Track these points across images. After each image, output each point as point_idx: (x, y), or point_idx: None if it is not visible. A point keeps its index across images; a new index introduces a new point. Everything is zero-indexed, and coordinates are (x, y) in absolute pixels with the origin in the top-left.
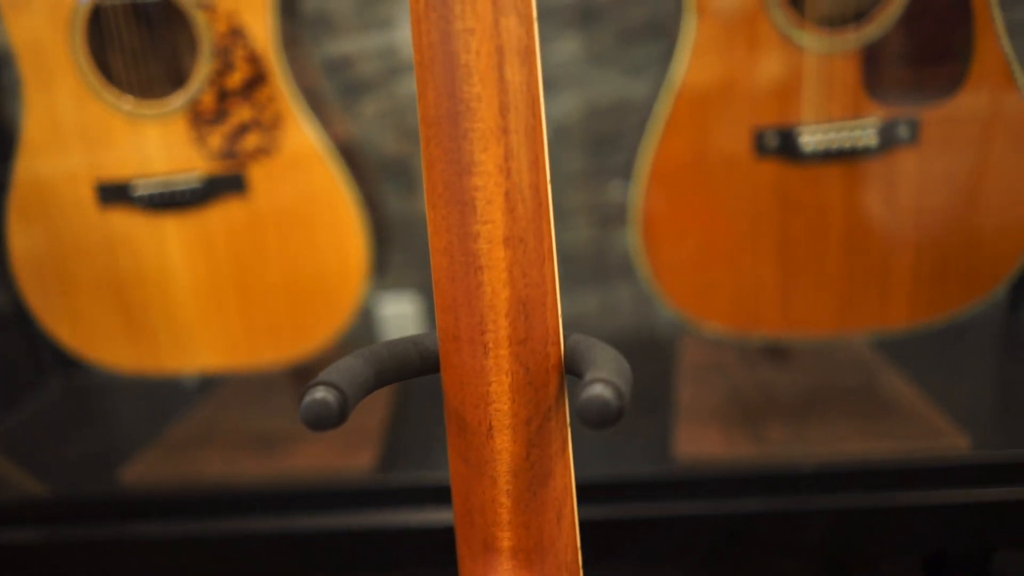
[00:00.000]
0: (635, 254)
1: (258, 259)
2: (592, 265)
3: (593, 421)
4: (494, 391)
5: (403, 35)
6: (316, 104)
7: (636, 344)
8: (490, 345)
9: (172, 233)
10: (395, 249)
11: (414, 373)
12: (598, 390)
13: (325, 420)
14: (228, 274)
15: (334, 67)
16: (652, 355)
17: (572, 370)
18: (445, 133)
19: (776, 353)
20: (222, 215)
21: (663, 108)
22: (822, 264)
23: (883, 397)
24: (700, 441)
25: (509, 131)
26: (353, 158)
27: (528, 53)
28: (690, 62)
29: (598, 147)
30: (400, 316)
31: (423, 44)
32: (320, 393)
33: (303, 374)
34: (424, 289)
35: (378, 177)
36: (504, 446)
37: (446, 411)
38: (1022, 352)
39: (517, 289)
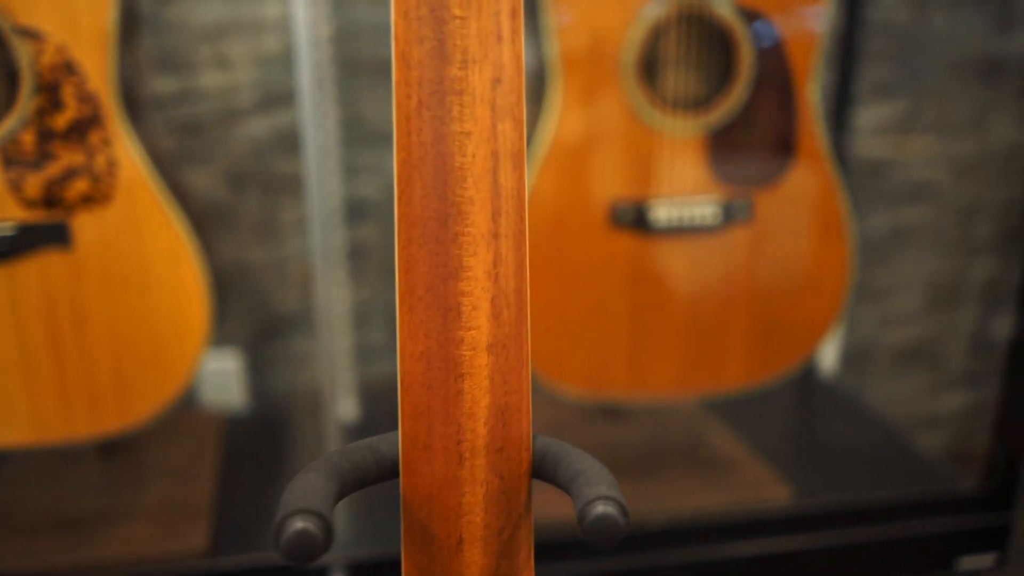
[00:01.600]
0: None
1: (81, 319)
2: None
3: (601, 541)
4: (467, 502)
5: (242, 77)
6: (149, 145)
7: None
8: (466, 454)
9: None
10: (216, 301)
11: (371, 482)
12: (604, 509)
13: (312, 552)
14: (42, 336)
15: (160, 104)
16: None
17: (543, 476)
18: (431, 235)
19: (613, 412)
20: (38, 269)
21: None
22: (668, 330)
23: (713, 453)
24: (548, 503)
25: (500, 236)
26: (185, 205)
27: (519, 157)
28: (553, 137)
29: None
30: (221, 373)
31: (412, 142)
32: (300, 524)
33: (111, 443)
34: (247, 345)
35: (206, 225)
36: (474, 559)
37: (404, 523)
38: (837, 410)
39: (497, 396)
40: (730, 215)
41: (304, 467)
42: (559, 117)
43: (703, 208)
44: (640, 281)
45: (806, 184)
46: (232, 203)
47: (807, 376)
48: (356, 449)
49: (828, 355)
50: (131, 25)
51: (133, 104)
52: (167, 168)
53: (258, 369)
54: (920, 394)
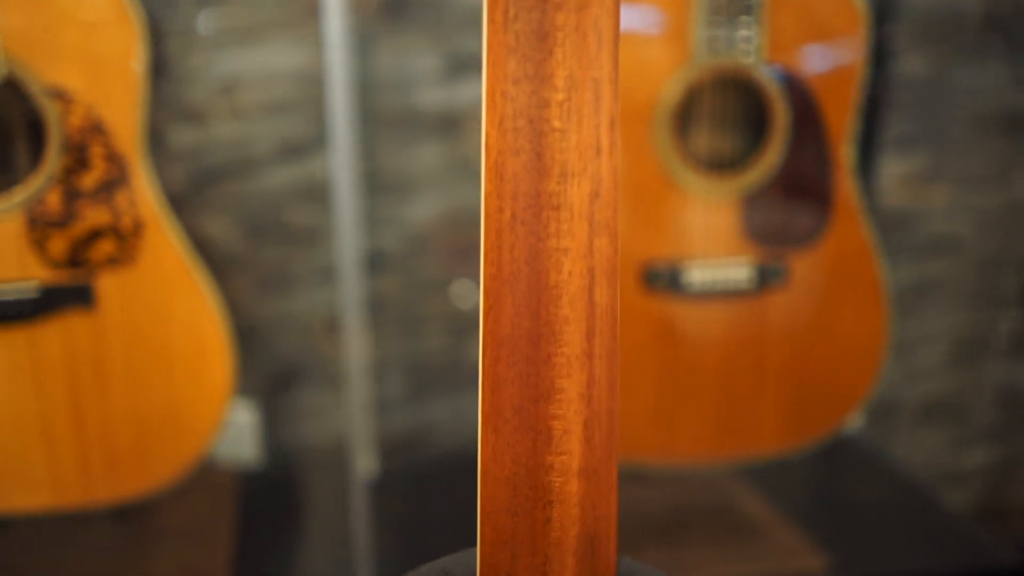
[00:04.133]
0: None
1: (103, 383)
2: (446, 374)
3: None
4: None
5: (259, 129)
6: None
7: None
8: None
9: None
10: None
11: None
12: None
13: None
14: (63, 399)
15: (182, 155)
16: None
17: None
18: (521, 355)
19: (639, 476)
20: (61, 331)
21: None
22: (699, 394)
23: (741, 517)
24: None
25: (594, 356)
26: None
27: (614, 273)
28: None
29: (458, 254)
30: (236, 426)
31: (503, 258)
32: None
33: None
34: (261, 397)
35: (223, 275)
36: None
37: None
38: (864, 467)
39: (587, 524)
40: (765, 278)
41: None
42: None
43: (737, 271)
44: (671, 343)
45: (843, 247)
46: (247, 253)
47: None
48: (428, 573)
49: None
50: (156, 78)
51: (155, 153)
52: (187, 219)
53: (272, 422)
54: (946, 448)
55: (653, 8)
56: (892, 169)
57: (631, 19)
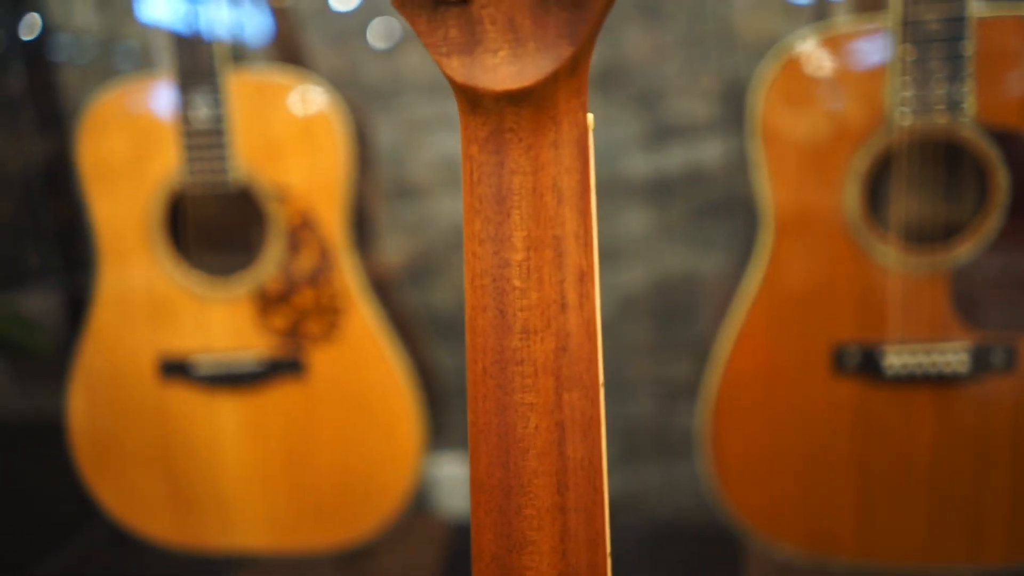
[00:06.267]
0: (703, 473)
1: (311, 442)
2: (654, 440)
3: None
4: None
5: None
6: (380, 286)
7: (698, 534)
8: None
9: (227, 411)
10: (449, 409)
11: None
12: None
13: None
14: (280, 455)
15: (410, 231)
16: (715, 550)
17: None
18: (495, 504)
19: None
20: (279, 397)
21: (737, 317)
22: (907, 491)
23: None
24: None
25: (568, 510)
26: (408, 328)
27: (592, 425)
28: (766, 274)
29: (665, 320)
30: (453, 478)
31: (479, 408)
32: None
33: (347, 560)
34: None
35: (433, 339)
36: None
37: None
38: None
39: None
40: (983, 362)
41: None
42: (772, 254)
43: (948, 354)
44: (871, 432)
45: None
46: (462, 317)
47: None
48: None
49: None
50: (365, 165)
51: (366, 231)
52: (393, 290)
53: None
54: None
55: (842, 67)
56: None
57: (812, 81)
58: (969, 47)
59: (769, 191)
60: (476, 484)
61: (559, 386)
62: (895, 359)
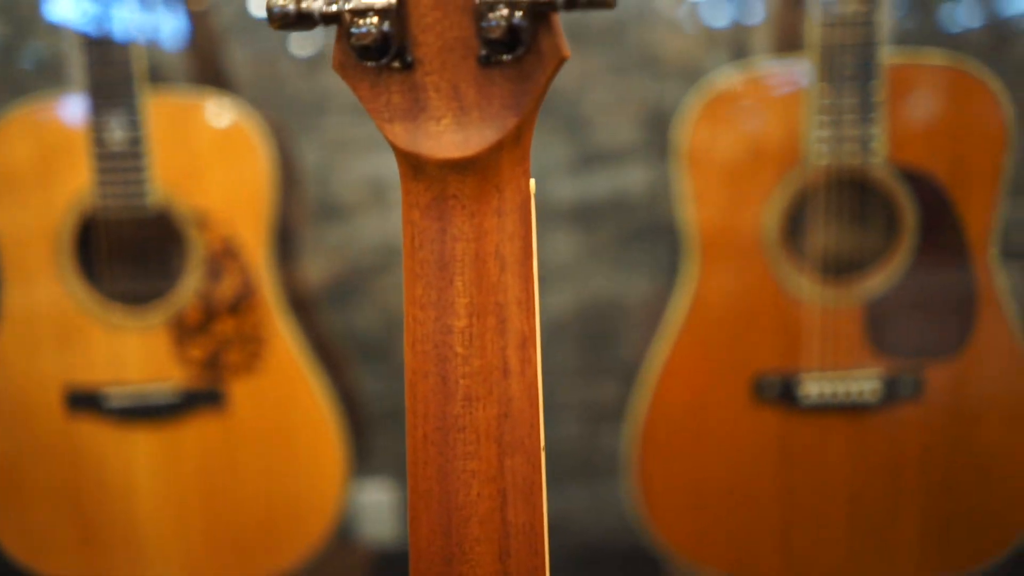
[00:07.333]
0: (629, 497)
1: (231, 476)
2: (579, 462)
3: None
4: None
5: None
6: (303, 309)
7: (622, 556)
8: None
9: (141, 446)
10: (373, 434)
11: None
12: None
13: None
14: (197, 491)
15: (322, 247)
16: (638, 573)
17: None
18: (436, 572)
19: None
20: (197, 430)
21: (664, 345)
22: (825, 515)
23: None
24: None
25: (510, 575)
26: (332, 352)
27: (533, 490)
28: (692, 304)
29: (591, 343)
30: (377, 505)
31: (419, 474)
32: None
33: None
34: (399, 475)
35: (356, 362)
36: None
37: None
38: None
39: None
40: (895, 391)
41: None
42: (697, 283)
43: (861, 383)
44: (791, 460)
45: (990, 358)
46: (387, 339)
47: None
48: None
49: None
50: (289, 185)
51: (289, 252)
52: (316, 313)
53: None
54: None
55: (763, 106)
56: None
57: (736, 119)
58: (880, 91)
59: (694, 222)
60: (416, 552)
61: (501, 452)
62: (812, 388)
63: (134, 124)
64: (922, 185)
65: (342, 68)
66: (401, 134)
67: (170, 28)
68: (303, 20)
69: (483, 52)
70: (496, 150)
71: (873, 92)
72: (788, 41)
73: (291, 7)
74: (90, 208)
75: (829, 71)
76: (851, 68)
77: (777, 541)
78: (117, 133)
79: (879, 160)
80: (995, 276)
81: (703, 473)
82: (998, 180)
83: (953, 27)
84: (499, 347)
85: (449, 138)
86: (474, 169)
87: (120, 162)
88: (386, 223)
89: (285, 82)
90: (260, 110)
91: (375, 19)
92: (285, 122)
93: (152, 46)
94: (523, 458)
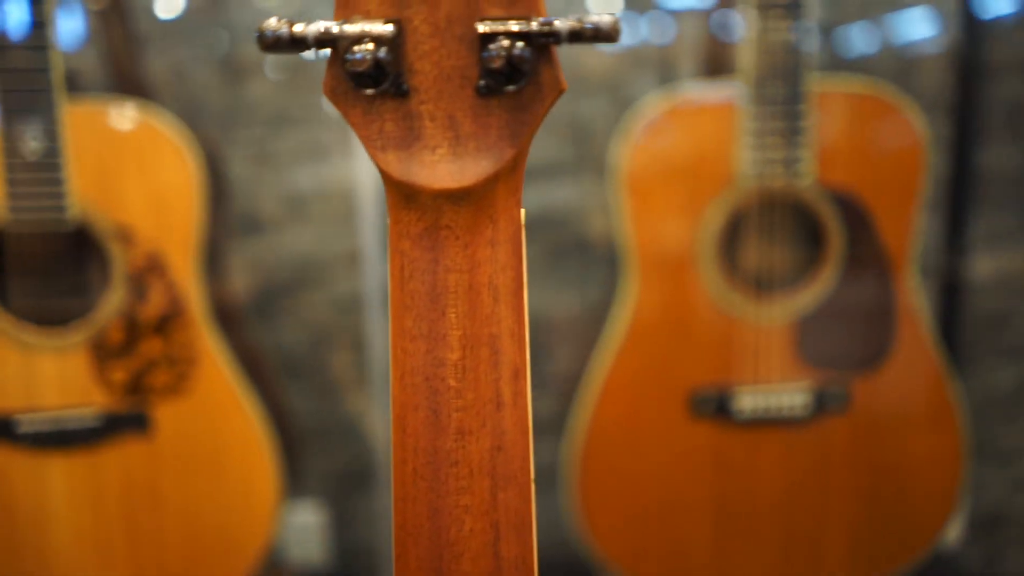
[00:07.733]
0: (568, 510)
1: (156, 503)
2: None
3: None
4: None
5: (323, 239)
6: (230, 326)
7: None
8: None
9: (57, 474)
10: (303, 454)
11: None
12: None
13: None
14: (120, 520)
15: (244, 261)
16: None
17: None
18: None
19: None
20: (119, 456)
21: (603, 361)
22: (757, 527)
23: None
24: None
25: None
26: (261, 371)
27: (525, 523)
28: (630, 320)
29: None
30: (306, 527)
31: (408, 511)
32: None
33: None
34: (328, 496)
35: (283, 380)
36: None
37: None
38: None
39: None
40: (823, 404)
41: None
42: (635, 301)
43: (792, 396)
44: (725, 473)
45: (909, 371)
46: (315, 358)
47: None
48: None
49: (953, 524)
50: (217, 199)
51: (215, 269)
52: (243, 329)
53: (341, 523)
54: None
55: (696, 129)
56: (988, 267)
57: (672, 142)
58: (808, 116)
59: (632, 241)
60: None
61: (495, 486)
62: (746, 403)
63: (51, 134)
64: (847, 205)
65: (333, 94)
66: (394, 163)
67: (87, 35)
68: (296, 44)
69: (483, 82)
70: (492, 181)
71: (800, 116)
72: (714, 64)
73: (284, 31)
74: (1, 222)
75: (759, 95)
76: (780, 93)
77: (711, 552)
78: (32, 143)
79: (807, 181)
80: (914, 292)
81: (641, 486)
82: (916, 200)
83: (850, 53)
84: (492, 379)
85: (444, 168)
86: (469, 199)
87: (35, 173)
88: (306, 238)
89: (206, 92)
90: (185, 120)
91: (371, 46)
92: (212, 133)
93: (70, 53)
94: (516, 491)
